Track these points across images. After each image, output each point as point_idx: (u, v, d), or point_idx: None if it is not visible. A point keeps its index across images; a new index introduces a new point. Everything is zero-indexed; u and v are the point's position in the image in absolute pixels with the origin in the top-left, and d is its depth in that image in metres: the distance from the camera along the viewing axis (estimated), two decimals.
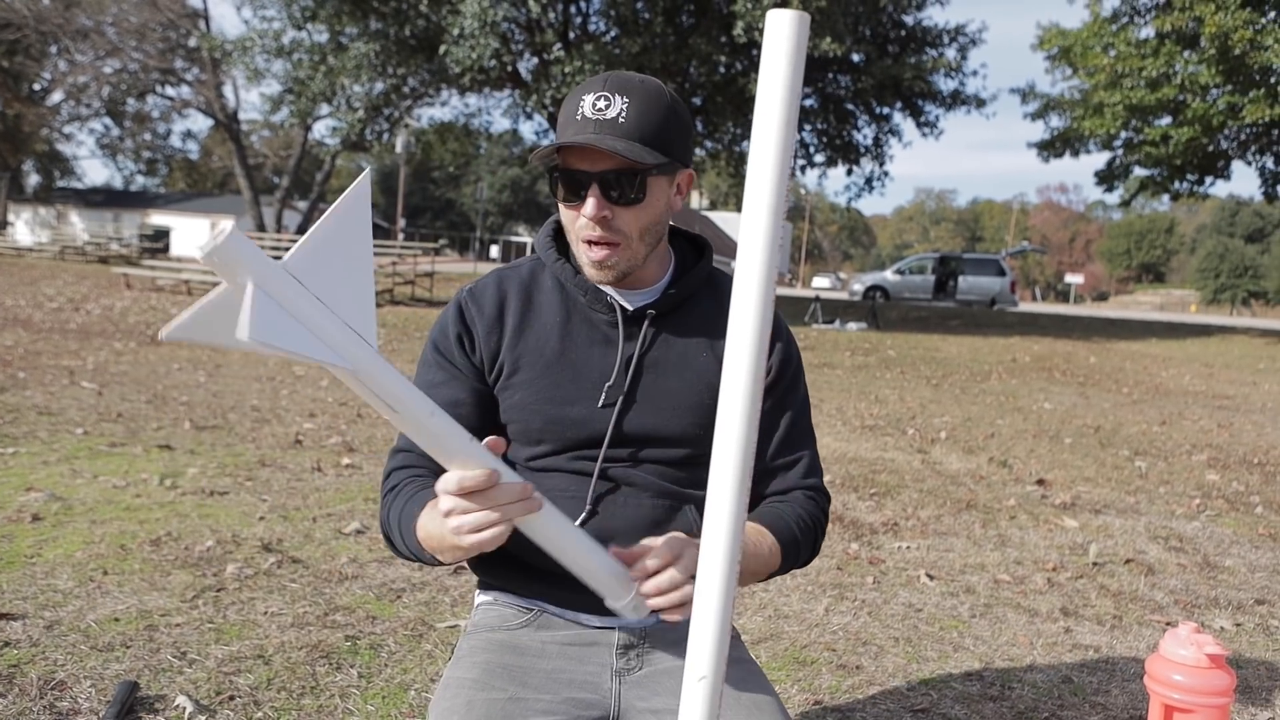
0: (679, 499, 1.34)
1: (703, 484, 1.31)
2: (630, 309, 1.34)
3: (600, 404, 1.32)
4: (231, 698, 2.17)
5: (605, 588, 1.13)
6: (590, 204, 1.23)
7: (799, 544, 1.33)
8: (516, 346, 1.34)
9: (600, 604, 1.33)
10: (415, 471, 1.31)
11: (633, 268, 1.30)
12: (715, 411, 1.29)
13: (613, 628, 1.36)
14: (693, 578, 1.06)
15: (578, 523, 1.29)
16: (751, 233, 0.86)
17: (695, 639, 0.92)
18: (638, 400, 1.33)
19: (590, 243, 1.27)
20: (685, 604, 1.08)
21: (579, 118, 1.22)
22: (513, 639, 1.35)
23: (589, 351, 1.34)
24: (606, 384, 1.32)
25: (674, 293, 1.36)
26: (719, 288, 1.42)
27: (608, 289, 1.34)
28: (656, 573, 1.10)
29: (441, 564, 1.22)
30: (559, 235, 1.39)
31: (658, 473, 1.34)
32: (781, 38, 0.82)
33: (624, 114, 1.21)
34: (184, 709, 2.08)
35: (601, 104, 1.21)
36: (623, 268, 1.29)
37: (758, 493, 1.40)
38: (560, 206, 1.30)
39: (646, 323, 1.34)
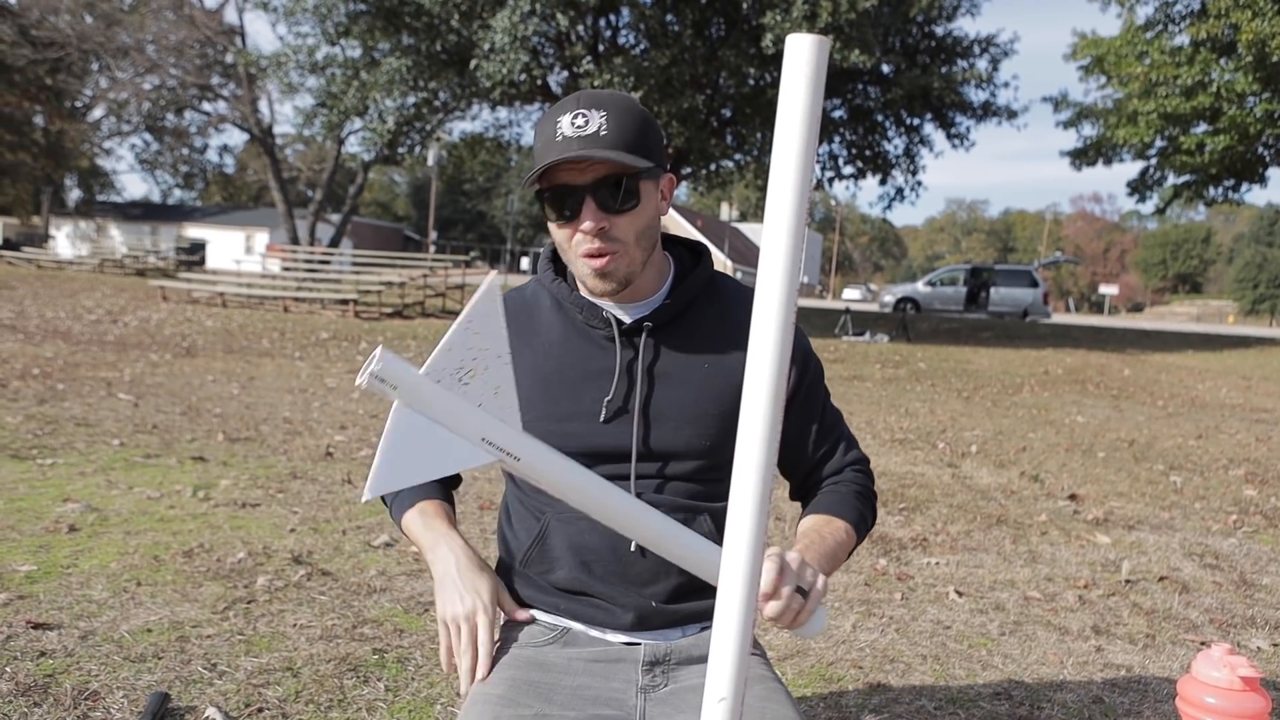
0: (693, 511, 1.35)
1: (715, 496, 1.35)
2: (627, 322, 1.35)
3: (602, 419, 1.33)
4: (260, 710, 2.19)
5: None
6: (587, 217, 1.25)
7: (864, 516, 1.44)
8: (517, 367, 1.36)
9: (626, 621, 1.34)
10: None
11: (633, 274, 1.31)
12: (722, 422, 1.35)
13: (638, 643, 1.36)
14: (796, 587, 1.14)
15: (631, 546, 1.33)
16: (772, 254, 0.86)
17: (715, 659, 0.92)
18: (640, 414, 1.33)
19: (590, 255, 1.28)
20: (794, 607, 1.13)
21: (559, 138, 1.23)
22: (539, 656, 1.36)
23: (586, 367, 1.35)
24: (605, 398, 1.33)
25: (670, 303, 1.36)
26: (722, 294, 1.42)
27: (604, 303, 1.35)
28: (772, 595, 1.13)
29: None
30: (556, 257, 1.41)
31: (670, 487, 1.35)
32: (801, 61, 0.83)
33: (604, 127, 1.22)
34: None
35: (580, 121, 1.23)
36: (624, 273, 1.30)
37: (813, 483, 1.47)
38: (554, 227, 1.31)
39: (644, 335, 1.35)
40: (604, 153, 1.21)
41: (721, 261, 49.34)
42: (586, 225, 1.25)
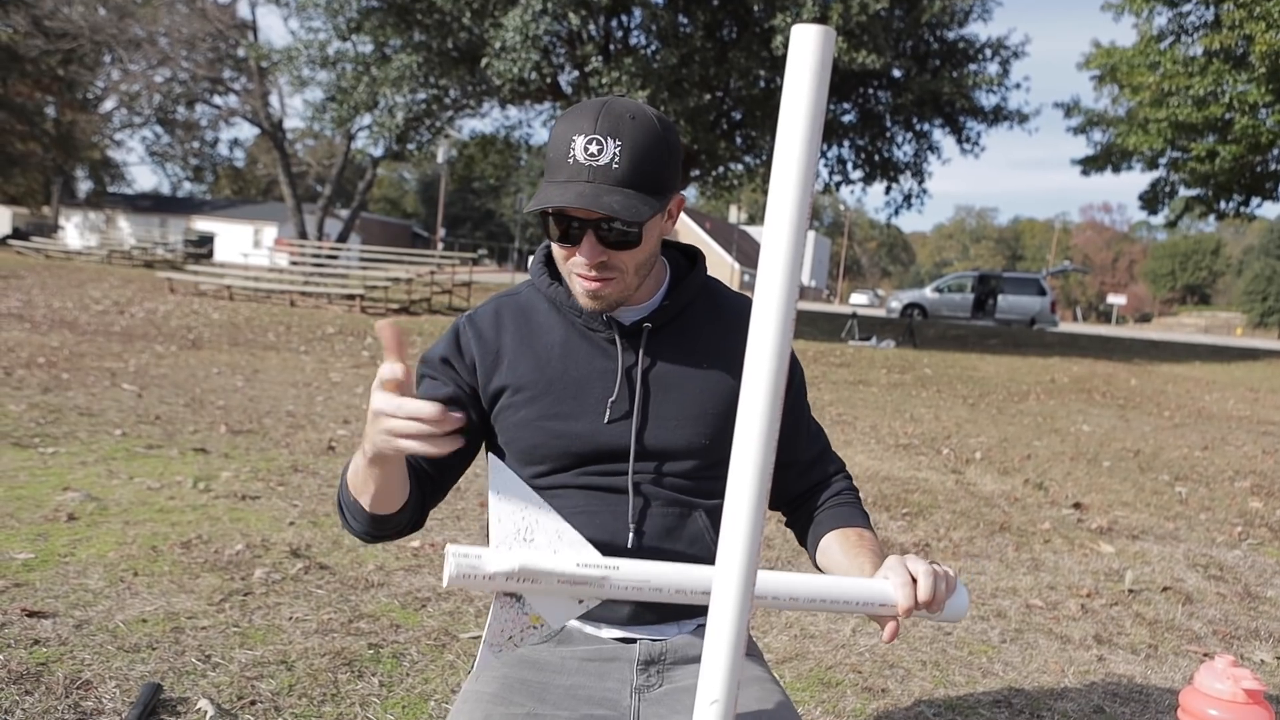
0: (688, 506, 1.35)
1: (709, 493, 1.34)
2: (626, 324, 1.35)
3: (606, 420, 1.32)
4: (253, 703, 2.18)
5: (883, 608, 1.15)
6: (585, 249, 1.24)
7: (870, 520, 1.46)
8: (517, 367, 1.35)
9: (622, 615, 1.33)
10: None
11: (625, 298, 1.32)
12: (719, 421, 1.35)
13: (633, 640, 1.35)
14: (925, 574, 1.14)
15: (628, 544, 1.31)
16: (773, 247, 0.84)
17: (708, 661, 0.90)
18: (642, 415, 1.34)
19: (584, 277, 1.28)
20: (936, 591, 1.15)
21: (570, 161, 1.21)
22: (532, 654, 1.35)
23: (589, 368, 1.34)
24: (610, 399, 1.33)
25: (669, 304, 1.37)
26: (715, 297, 1.43)
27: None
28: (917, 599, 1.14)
29: (360, 517, 1.24)
30: (550, 260, 1.40)
31: (666, 483, 1.35)
32: (806, 52, 0.81)
33: (617, 159, 1.20)
34: (205, 712, 2.09)
35: (594, 148, 1.20)
36: (615, 299, 1.30)
37: (802, 487, 1.46)
38: (553, 245, 1.30)
39: (644, 336, 1.35)
40: (610, 200, 1.19)
41: (729, 265, 49.26)
42: (584, 256, 1.25)
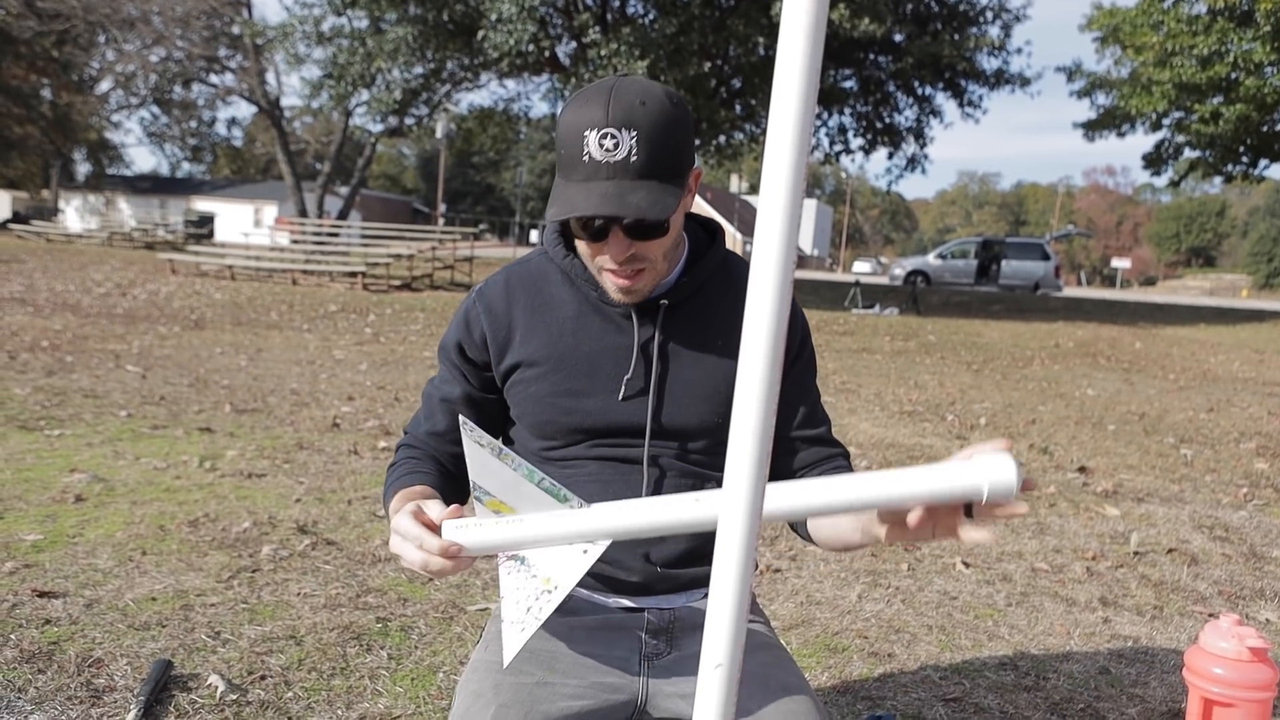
0: (701, 479, 1.34)
1: (723, 466, 1.32)
2: (643, 300, 1.33)
3: (621, 397, 1.31)
4: (263, 677, 2.20)
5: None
6: (613, 247, 1.21)
7: None
8: (530, 342, 1.33)
9: (631, 585, 1.33)
10: (412, 452, 1.39)
11: (657, 284, 1.30)
12: (733, 400, 1.32)
13: (641, 609, 1.36)
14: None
15: None
16: (769, 215, 0.83)
17: (711, 625, 0.90)
18: (658, 393, 1.32)
19: (615, 274, 1.25)
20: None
21: (586, 159, 1.16)
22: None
23: (602, 343, 1.32)
24: (625, 376, 1.31)
25: (686, 281, 1.34)
26: (733, 273, 1.40)
27: None
28: None
29: None
30: (566, 230, 1.36)
31: (680, 457, 1.34)
32: (800, 11, 0.80)
33: (634, 151, 1.15)
34: (216, 688, 2.11)
35: (609, 143, 1.15)
36: (649, 289, 1.29)
37: (801, 461, 1.41)
38: (578, 241, 1.27)
39: (661, 313, 1.33)
40: (635, 198, 1.15)
41: (730, 234, 49.11)
42: (614, 254, 1.22)
